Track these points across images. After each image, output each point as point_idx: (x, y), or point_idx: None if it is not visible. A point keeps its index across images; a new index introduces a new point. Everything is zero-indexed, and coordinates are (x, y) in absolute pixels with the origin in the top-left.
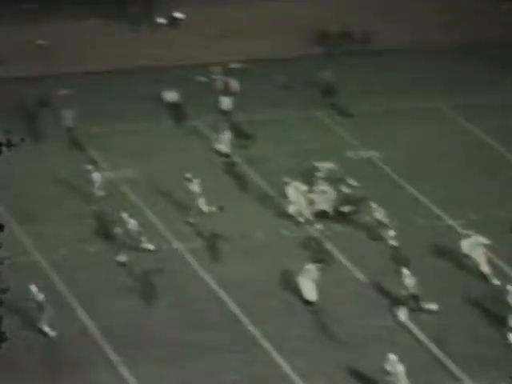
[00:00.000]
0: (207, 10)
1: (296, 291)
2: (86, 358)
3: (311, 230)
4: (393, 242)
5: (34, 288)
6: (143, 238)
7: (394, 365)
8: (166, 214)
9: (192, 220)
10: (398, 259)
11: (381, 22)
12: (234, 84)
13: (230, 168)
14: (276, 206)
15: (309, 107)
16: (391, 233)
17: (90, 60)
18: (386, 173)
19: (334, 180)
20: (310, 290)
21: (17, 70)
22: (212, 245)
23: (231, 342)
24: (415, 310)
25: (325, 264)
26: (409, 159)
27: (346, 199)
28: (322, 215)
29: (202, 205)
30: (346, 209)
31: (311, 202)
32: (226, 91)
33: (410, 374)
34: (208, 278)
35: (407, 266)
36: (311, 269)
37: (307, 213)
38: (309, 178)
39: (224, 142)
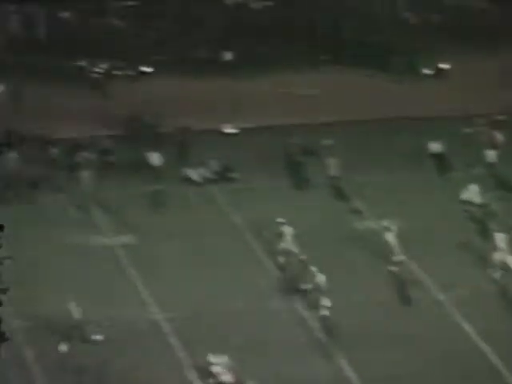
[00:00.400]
0: (471, 61)
1: None
2: None
3: None
4: None
5: None
6: None
7: None
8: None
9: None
10: None
11: None
12: (499, 136)
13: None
14: None
15: None
16: None
17: (354, 110)
18: None
19: None
20: None
21: (281, 119)
22: None
23: None
24: None
25: None
26: None
27: None
28: None
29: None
30: None
31: None
32: (492, 144)
33: None
34: None
35: None
36: None
37: None
38: None
39: (473, 192)
